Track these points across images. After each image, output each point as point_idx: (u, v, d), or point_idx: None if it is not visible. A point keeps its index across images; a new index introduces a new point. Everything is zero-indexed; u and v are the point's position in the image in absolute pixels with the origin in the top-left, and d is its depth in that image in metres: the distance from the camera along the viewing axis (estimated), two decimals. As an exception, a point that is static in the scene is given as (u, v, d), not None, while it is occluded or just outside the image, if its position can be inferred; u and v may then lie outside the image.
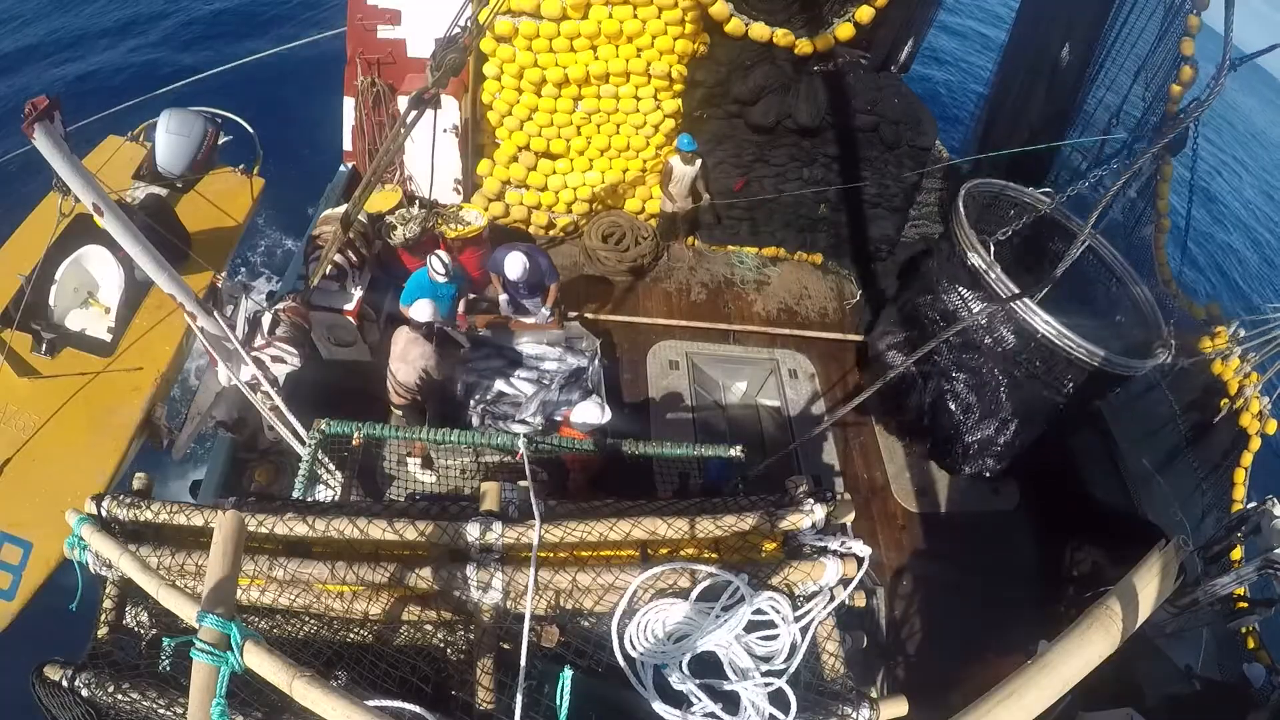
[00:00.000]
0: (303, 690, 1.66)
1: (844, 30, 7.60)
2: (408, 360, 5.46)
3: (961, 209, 6.10)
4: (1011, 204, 6.69)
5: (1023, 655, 4.89)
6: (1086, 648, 1.73)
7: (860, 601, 2.62)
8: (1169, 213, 7.24)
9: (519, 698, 2.10)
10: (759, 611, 2.43)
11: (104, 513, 2.48)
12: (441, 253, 5.99)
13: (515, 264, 6.24)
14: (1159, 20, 6.73)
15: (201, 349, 5.26)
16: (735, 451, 4.78)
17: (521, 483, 2.98)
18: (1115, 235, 7.57)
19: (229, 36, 14.90)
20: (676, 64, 7.24)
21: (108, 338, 5.84)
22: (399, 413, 5.86)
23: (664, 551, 2.79)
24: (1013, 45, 8.31)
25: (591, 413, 5.03)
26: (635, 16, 6.78)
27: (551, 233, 8.22)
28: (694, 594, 2.47)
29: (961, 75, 20.68)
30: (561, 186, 7.90)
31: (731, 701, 2.29)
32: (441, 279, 5.90)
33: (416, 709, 2.06)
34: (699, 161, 7.76)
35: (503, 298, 6.76)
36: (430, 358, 5.48)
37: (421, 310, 5.44)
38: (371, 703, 1.76)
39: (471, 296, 6.78)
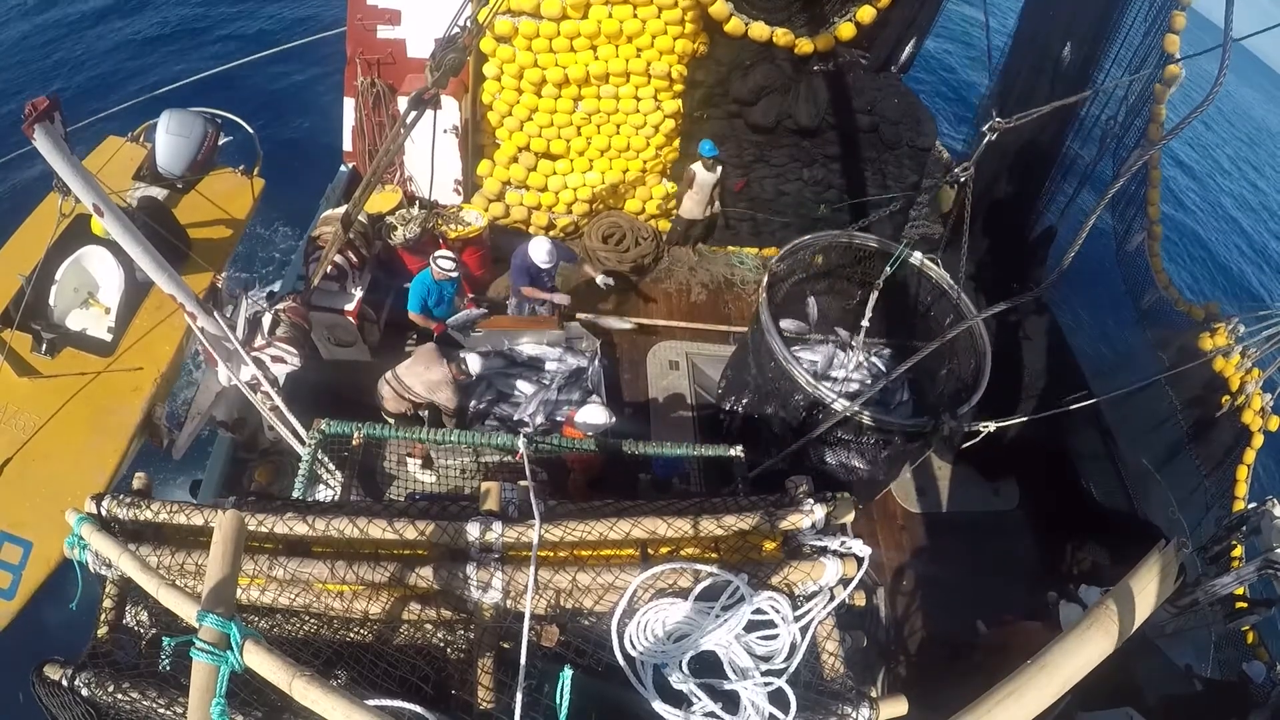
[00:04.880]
0: (302, 690, 1.66)
1: (845, 30, 7.59)
2: (428, 379, 5.45)
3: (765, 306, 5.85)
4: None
5: (1044, 619, 4.87)
6: (1086, 648, 1.72)
7: (860, 601, 2.62)
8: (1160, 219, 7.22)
9: (519, 697, 2.09)
10: (759, 611, 2.42)
11: (104, 512, 2.47)
12: (446, 251, 6.03)
13: (541, 247, 6.35)
14: (1146, 17, 6.66)
15: (200, 349, 5.26)
16: (735, 451, 4.78)
17: (521, 482, 2.98)
18: (1108, 247, 7.56)
19: (229, 37, 14.91)
20: (676, 64, 7.23)
21: (108, 338, 5.83)
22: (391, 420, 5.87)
23: (664, 551, 2.79)
24: (1017, 44, 8.30)
25: (595, 415, 5.03)
26: (635, 16, 6.78)
27: (551, 233, 8.22)
28: (694, 594, 2.47)
29: (962, 75, 20.64)
30: (561, 187, 7.89)
31: (731, 701, 2.29)
32: (452, 275, 5.98)
33: (416, 709, 2.06)
34: (720, 168, 7.73)
35: (510, 302, 6.76)
36: (449, 385, 5.48)
37: (474, 364, 5.54)
38: (371, 702, 1.75)
39: (471, 296, 6.78)
